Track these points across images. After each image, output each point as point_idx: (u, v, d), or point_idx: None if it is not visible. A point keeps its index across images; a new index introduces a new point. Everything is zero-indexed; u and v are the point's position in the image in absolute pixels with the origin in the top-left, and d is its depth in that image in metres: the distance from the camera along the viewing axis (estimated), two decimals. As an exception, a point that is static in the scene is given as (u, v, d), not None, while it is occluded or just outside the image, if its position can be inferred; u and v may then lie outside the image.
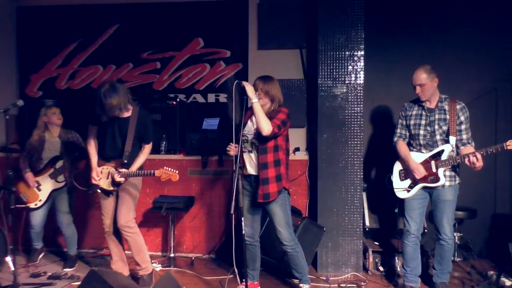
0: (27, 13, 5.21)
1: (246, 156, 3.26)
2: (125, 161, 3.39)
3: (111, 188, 3.43)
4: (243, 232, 3.12)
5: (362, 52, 3.95)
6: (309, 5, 4.47)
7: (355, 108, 3.95)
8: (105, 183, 3.42)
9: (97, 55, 5.13)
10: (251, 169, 3.26)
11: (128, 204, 3.48)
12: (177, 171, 3.32)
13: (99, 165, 3.44)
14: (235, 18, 4.89)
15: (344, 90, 3.97)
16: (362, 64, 3.96)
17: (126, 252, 3.67)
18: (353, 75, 3.97)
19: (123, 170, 3.35)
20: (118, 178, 3.34)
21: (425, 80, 3.20)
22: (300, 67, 4.62)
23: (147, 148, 3.52)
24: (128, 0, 5.03)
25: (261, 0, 4.64)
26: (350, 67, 3.97)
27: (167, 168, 3.31)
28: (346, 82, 3.97)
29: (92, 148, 3.49)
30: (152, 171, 3.33)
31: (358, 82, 3.96)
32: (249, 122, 3.29)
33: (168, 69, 5.02)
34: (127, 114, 3.41)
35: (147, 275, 3.56)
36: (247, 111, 3.24)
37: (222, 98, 4.99)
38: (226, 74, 4.96)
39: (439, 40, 4.39)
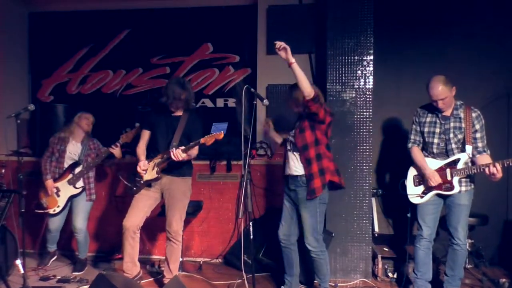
0: (39, 19, 5.29)
1: (287, 156, 3.36)
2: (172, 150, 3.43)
3: (156, 176, 3.45)
4: (252, 236, 3.11)
5: (371, 57, 3.94)
6: (318, 10, 4.47)
7: (364, 113, 3.93)
8: (149, 175, 3.47)
9: (108, 60, 5.19)
10: (288, 169, 3.33)
11: (181, 211, 3.55)
12: (222, 131, 3.27)
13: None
14: (244, 23, 4.91)
15: (353, 95, 3.95)
16: (372, 68, 3.94)
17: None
18: (362, 80, 3.95)
19: (182, 147, 3.34)
20: (179, 152, 3.29)
21: (445, 93, 3.12)
22: (309, 72, 4.61)
23: (196, 147, 3.54)
24: (138, 5, 5.08)
25: (270, 5, 4.65)
26: (359, 72, 3.95)
27: (210, 134, 3.28)
28: (355, 87, 3.95)
29: (141, 150, 3.58)
30: (197, 141, 3.31)
31: (367, 87, 3.94)
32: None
33: (178, 74, 5.05)
34: (179, 113, 3.53)
35: None
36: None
37: (231, 103, 5.00)
38: (235, 79, 4.98)
39: (450, 45, 4.35)
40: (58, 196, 3.98)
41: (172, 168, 3.47)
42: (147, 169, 3.48)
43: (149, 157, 3.55)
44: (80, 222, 4.03)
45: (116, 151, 3.98)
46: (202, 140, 3.28)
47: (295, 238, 3.42)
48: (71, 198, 4.01)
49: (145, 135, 3.60)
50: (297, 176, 3.26)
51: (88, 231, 4.19)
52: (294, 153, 3.28)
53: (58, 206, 3.98)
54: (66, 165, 4.01)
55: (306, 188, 3.20)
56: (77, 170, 4.00)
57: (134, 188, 3.53)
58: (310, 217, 3.23)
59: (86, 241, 4.15)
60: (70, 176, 3.98)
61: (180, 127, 3.48)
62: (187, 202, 3.62)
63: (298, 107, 3.26)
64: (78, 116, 4.09)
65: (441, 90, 3.12)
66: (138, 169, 3.47)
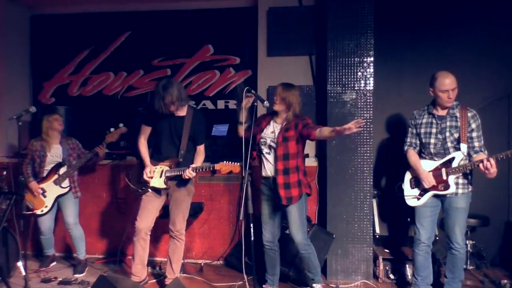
0: (40, 21, 5.30)
1: (264, 158, 3.36)
2: (180, 159, 3.43)
3: (164, 186, 3.45)
4: (253, 237, 3.12)
5: (372, 58, 3.94)
6: (319, 11, 4.47)
7: (365, 115, 3.93)
8: (157, 182, 3.45)
9: (109, 62, 5.20)
10: (269, 171, 3.34)
11: (184, 211, 3.56)
12: (238, 163, 3.26)
13: (152, 165, 3.50)
14: (245, 25, 4.91)
15: (354, 97, 3.96)
16: (372, 70, 3.95)
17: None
18: (362, 81, 3.96)
19: (193, 165, 3.37)
20: (190, 172, 3.32)
21: (456, 83, 3.17)
22: (310, 74, 4.62)
23: (202, 149, 3.56)
24: (139, 8, 5.09)
25: (271, 7, 4.66)
26: (359, 73, 3.96)
27: (226, 162, 3.28)
28: (356, 88, 3.96)
29: (144, 148, 3.56)
30: (212, 165, 3.32)
31: (368, 88, 3.95)
32: (268, 126, 3.38)
33: (178, 75, 5.06)
34: (182, 113, 3.47)
35: None
36: (266, 117, 3.43)
37: (232, 104, 5.00)
38: (235, 80, 4.99)
39: (450, 45, 4.34)
40: (45, 197, 4.00)
41: None
42: (153, 175, 3.47)
43: (152, 158, 3.54)
44: (72, 218, 4.07)
45: (101, 150, 4.05)
46: (217, 167, 3.28)
47: (277, 239, 3.48)
48: (58, 197, 4.04)
49: (146, 130, 3.58)
50: None
51: (84, 231, 4.20)
52: (269, 156, 3.33)
53: (46, 206, 4.01)
54: (48, 167, 4.03)
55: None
56: (62, 170, 4.02)
57: (140, 191, 3.53)
58: (298, 214, 3.27)
59: (81, 238, 4.16)
60: (56, 176, 4.01)
61: (186, 131, 3.44)
62: (190, 202, 3.63)
63: (283, 106, 3.28)
64: (46, 120, 4.07)
65: (453, 79, 3.16)
66: (145, 176, 3.44)
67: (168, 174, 3.43)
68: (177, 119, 3.46)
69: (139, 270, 3.55)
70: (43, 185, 4.01)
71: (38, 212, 4.00)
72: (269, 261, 3.49)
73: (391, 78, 4.42)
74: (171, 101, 3.28)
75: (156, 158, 3.53)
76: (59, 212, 4.19)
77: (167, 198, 3.61)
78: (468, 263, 3.99)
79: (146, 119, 3.58)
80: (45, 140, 4.07)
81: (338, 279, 3.93)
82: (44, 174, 4.03)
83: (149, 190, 3.49)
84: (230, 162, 3.26)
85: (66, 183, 4.03)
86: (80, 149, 4.18)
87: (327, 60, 4.01)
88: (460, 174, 3.18)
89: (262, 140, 3.35)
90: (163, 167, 3.46)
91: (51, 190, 4.01)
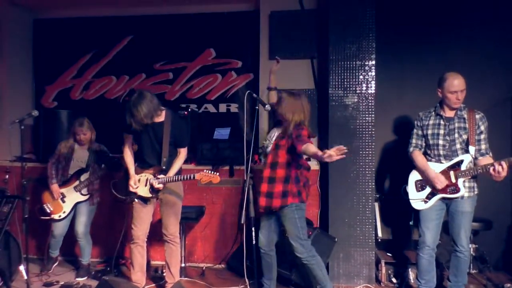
0: (43, 26, 5.34)
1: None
2: (163, 167, 3.40)
3: (149, 195, 3.44)
4: (255, 241, 3.11)
5: (373, 62, 3.94)
6: (320, 15, 4.48)
7: (367, 118, 3.93)
8: (143, 191, 3.43)
9: (111, 66, 5.22)
10: None
11: (176, 214, 3.54)
12: (217, 173, 3.24)
13: (136, 173, 3.46)
14: (247, 28, 4.93)
15: (355, 100, 3.95)
16: (374, 73, 3.95)
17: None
18: (364, 85, 3.95)
19: (161, 176, 3.36)
20: (157, 185, 3.34)
21: (465, 84, 3.16)
22: (311, 77, 4.62)
23: (183, 152, 3.52)
24: (141, 12, 5.11)
25: (273, 11, 4.67)
26: (361, 77, 3.96)
27: (206, 171, 3.26)
28: (357, 91, 3.96)
29: (129, 157, 3.52)
30: (192, 174, 3.29)
31: (370, 91, 3.95)
32: (273, 130, 3.33)
33: (180, 79, 5.08)
34: (160, 119, 3.42)
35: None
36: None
37: (233, 108, 5.01)
38: (237, 84, 5.00)
39: (452, 48, 4.34)
40: (64, 202, 3.98)
41: None
42: (138, 185, 3.45)
43: (137, 166, 3.50)
44: (82, 228, 4.04)
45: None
46: (197, 177, 3.24)
47: (274, 244, 3.39)
48: (77, 204, 4.01)
49: (128, 139, 3.53)
50: None
51: (90, 236, 4.20)
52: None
53: (64, 212, 3.98)
54: (71, 172, 4.02)
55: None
56: (84, 177, 4.00)
57: (128, 199, 3.51)
58: (290, 224, 3.18)
59: (89, 246, 4.15)
60: (77, 182, 3.99)
61: (166, 136, 3.38)
62: (181, 204, 3.60)
63: (282, 119, 3.21)
64: (73, 125, 4.04)
65: (462, 80, 3.15)
66: (131, 189, 3.42)
67: (153, 183, 3.39)
68: (156, 125, 3.39)
69: (139, 277, 3.55)
70: (63, 190, 3.98)
71: (56, 217, 3.97)
72: (264, 265, 3.42)
73: (393, 81, 4.42)
74: (141, 118, 3.20)
75: (140, 166, 3.49)
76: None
77: (157, 202, 3.59)
78: (471, 266, 3.96)
79: (126, 127, 3.42)
80: (73, 143, 4.05)
81: (340, 283, 3.92)
82: (66, 178, 4.01)
83: (136, 199, 3.46)
84: (210, 172, 3.22)
85: (86, 190, 4.00)
86: (108, 155, 4.11)
87: (329, 63, 4.01)
88: (469, 177, 3.17)
89: (260, 151, 3.32)
90: (147, 175, 3.43)
91: (71, 196, 3.98)
